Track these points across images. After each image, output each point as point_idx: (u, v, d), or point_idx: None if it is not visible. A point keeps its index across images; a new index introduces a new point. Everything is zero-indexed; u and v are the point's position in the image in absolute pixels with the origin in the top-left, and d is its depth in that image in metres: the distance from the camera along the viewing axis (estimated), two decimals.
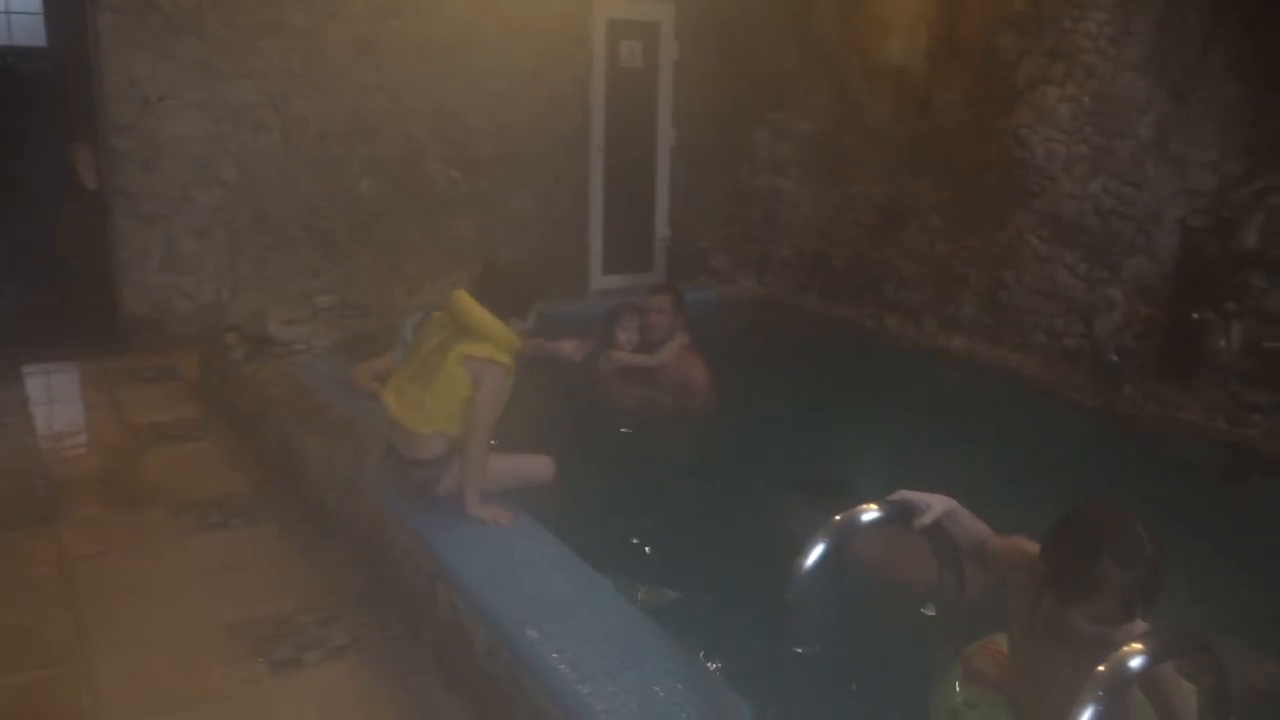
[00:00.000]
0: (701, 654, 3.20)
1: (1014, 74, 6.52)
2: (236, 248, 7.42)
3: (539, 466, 4.24)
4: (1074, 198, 6.15)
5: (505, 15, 8.09)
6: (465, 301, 3.80)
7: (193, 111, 7.11)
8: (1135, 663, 1.81)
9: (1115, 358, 5.86)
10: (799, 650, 2.57)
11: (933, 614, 2.70)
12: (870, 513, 2.36)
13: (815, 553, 2.26)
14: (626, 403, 5.85)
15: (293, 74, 7.39)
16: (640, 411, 5.79)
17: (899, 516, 2.48)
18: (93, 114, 6.88)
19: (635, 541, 4.43)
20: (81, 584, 4.01)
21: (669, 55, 8.96)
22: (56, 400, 6.24)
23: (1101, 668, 1.82)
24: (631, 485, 4.93)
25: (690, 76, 9.02)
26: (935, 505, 2.57)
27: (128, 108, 6.91)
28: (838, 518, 2.32)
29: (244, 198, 7.39)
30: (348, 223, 7.78)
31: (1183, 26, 5.89)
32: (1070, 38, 6.16)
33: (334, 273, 7.76)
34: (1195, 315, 5.55)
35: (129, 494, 4.88)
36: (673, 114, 9.13)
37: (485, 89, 8.16)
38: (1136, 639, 1.93)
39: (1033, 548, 2.44)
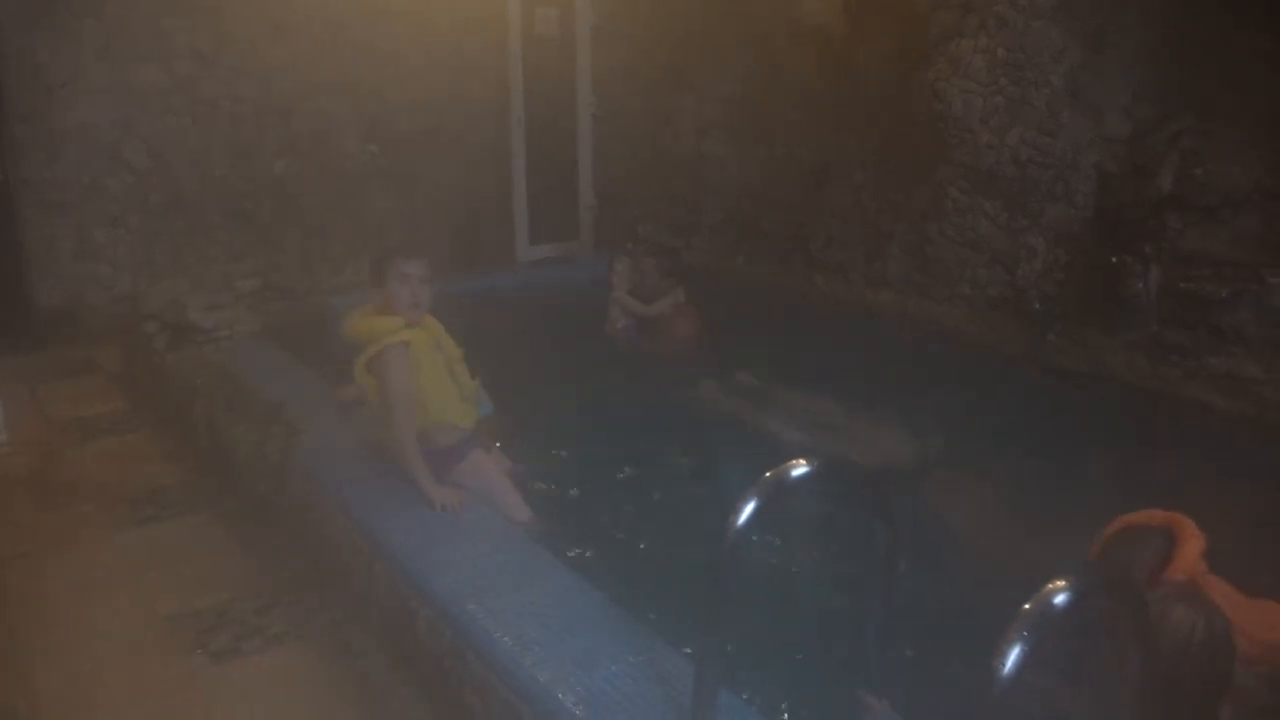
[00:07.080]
0: (651, 617, 3.22)
1: (927, 27, 6.55)
2: (152, 234, 7.25)
3: (513, 506, 4.09)
4: (992, 148, 6.21)
5: None
6: (343, 329, 3.98)
7: (97, 97, 6.91)
8: (1060, 599, 1.83)
9: (1038, 305, 5.96)
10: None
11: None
12: (800, 468, 2.37)
13: (747, 510, 2.28)
14: (630, 349, 6.85)
15: (201, 55, 7.21)
16: (645, 360, 6.68)
17: (832, 475, 2.48)
18: None
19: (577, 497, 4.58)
20: (12, 586, 3.92)
21: (586, 21, 8.89)
22: None
23: (1026, 605, 1.83)
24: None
25: (609, 42, 8.95)
26: None
27: (29, 95, 6.70)
28: (768, 474, 2.33)
29: (157, 183, 7.21)
30: (269, 204, 7.63)
31: None
32: None
33: (257, 256, 7.61)
34: (1114, 259, 5.65)
35: (57, 491, 4.77)
36: (593, 81, 9.06)
37: (401, 63, 8.03)
38: (1060, 578, 1.90)
39: None
